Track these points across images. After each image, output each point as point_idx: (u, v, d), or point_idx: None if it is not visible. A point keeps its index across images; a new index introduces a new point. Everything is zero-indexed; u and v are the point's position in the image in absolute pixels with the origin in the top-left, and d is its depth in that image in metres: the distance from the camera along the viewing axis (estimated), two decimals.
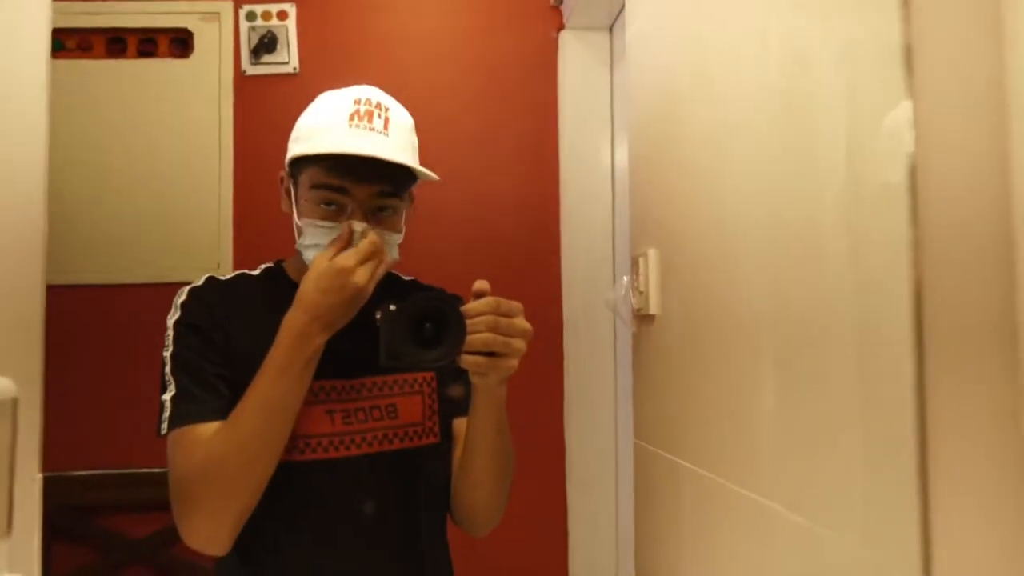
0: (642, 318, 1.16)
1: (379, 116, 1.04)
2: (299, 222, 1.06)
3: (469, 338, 0.89)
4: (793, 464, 0.71)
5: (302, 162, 1.05)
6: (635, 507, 1.26)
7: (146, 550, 1.95)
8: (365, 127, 1.02)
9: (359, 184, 1.02)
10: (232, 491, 0.95)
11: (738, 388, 0.85)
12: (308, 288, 0.97)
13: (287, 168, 1.10)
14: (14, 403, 0.69)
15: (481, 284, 0.93)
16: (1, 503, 0.68)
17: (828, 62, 0.67)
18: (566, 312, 2.09)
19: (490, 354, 0.91)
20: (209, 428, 0.98)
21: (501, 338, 0.90)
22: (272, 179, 2.05)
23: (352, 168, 1.00)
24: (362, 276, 0.96)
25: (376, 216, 1.04)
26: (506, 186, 2.12)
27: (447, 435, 1.15)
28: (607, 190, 2.11)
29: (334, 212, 1.03)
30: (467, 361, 0.90)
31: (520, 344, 0.92)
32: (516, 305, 0.93)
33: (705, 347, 0.94)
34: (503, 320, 0.91)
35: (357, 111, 1.03)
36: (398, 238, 1.07)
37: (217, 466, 0.95)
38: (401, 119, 1.08)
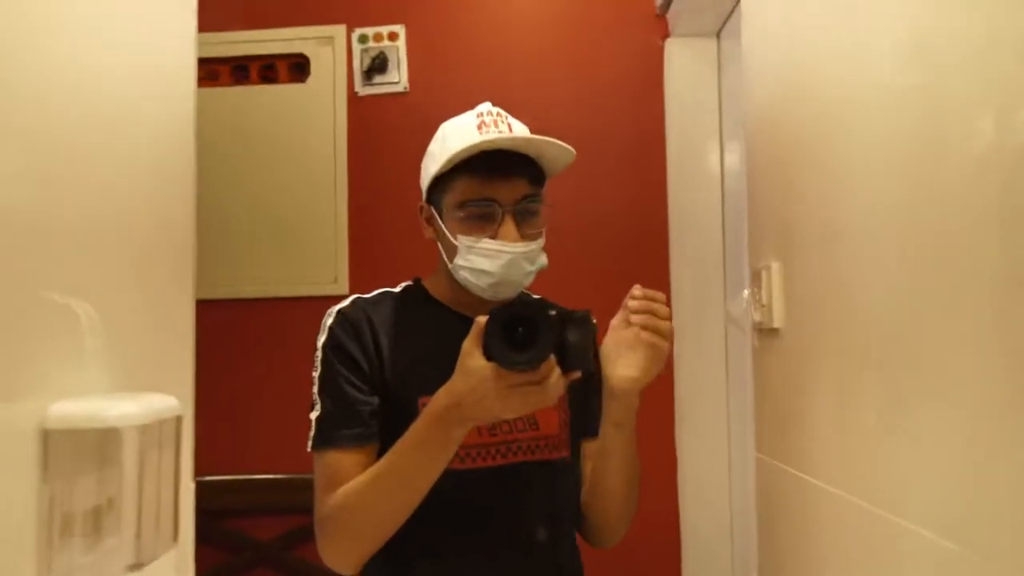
0: (764, 331, 1.14)
1: (502, 122, 1.10)
2: (455, 242, 1.08)
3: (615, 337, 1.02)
4: (943, 487, 0.69)
5: (442, 183, 1.09)
6: (758, 522, 1.24)
7: (273, 552, 2.05)
8: (493, 131, 1.08)
9: (503, 182, 1.06)
10: (361, 541, 1.02)
11: (874, 405, 0.82)
12: (460, 387, 0.91)
13: (426, 197, 1.15)
14: (178, 420, 0.75)
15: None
16: (168, 514, 0.73)
17: (964, 57, 0.65)
18: (676, 321, 2.07)
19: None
20: (346, 458, 1.03)
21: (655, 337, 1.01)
22: (384, 192, 2.15)
23: (494, 166, 1.05)
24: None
25: (525, 221, 1.08)
26: (615, 195, 2.12)
27: (575, 453, 1.18)
28: (716, 197, 2.08)
29: (485, 224, 1.07)
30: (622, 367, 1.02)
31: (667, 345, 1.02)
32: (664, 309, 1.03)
33: (835, 363, 0.92)
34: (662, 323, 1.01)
35: (482, 121, 1.09)
36: (542, 242, 1.11)
37: (348, 520, 1.01)
38: (520, 124, 1.13)
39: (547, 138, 1.06)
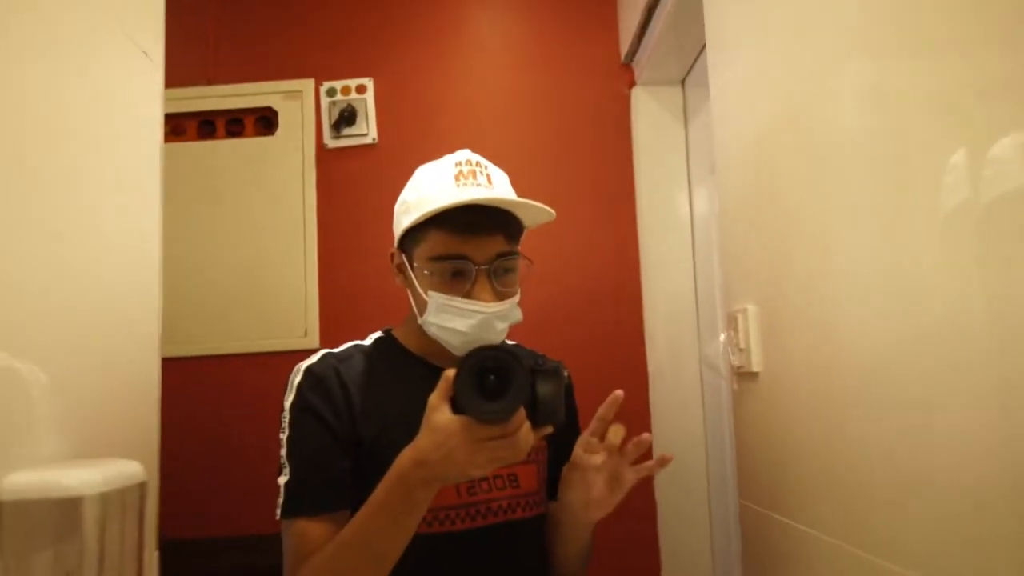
0: (743, 375, 1.13)
1: (481, 173, 1.05)
2: (425, 297, 1.03)
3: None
4: (935, 531, 0.67)
5: (415, 233, 1.04)
6: (744, 570, 1.22)
7: None
8: (472, 184, 1.03)
9: (478, 239, 1.00)
10: None
11: (861, 448, 0.81)
12: (425, 444, 0.87)
13: (397, 244, 1.10)
14: (142, 487, 0.71)
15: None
16: None
17: (927, 104, 0.66)
18: (651, 365, 2.06)
19: None
20: (315, 526, 0.98)
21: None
22: (354, 244, 2.13)
23: (470, 223, 1.00)
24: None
25: (500, 279, 1.03)
26: (586, 242, 2.12)
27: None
28: (687, 242, 2.09)
29: (457, 282, 1.01)
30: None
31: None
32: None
33: (819, 405, 0.91)
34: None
35: (460, 172, 1.04)
36: (517, 298, 1.06)
37: None
38: (500, 174, 1.09)
39: (527, 200, 1.02)
